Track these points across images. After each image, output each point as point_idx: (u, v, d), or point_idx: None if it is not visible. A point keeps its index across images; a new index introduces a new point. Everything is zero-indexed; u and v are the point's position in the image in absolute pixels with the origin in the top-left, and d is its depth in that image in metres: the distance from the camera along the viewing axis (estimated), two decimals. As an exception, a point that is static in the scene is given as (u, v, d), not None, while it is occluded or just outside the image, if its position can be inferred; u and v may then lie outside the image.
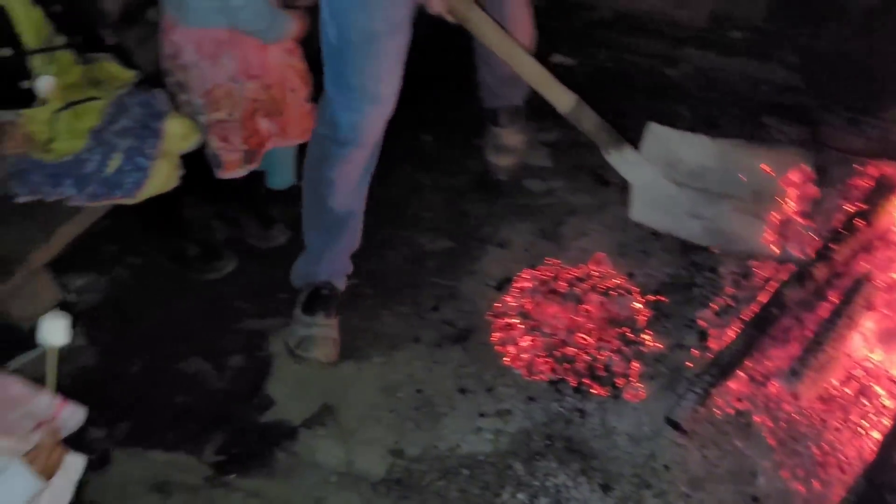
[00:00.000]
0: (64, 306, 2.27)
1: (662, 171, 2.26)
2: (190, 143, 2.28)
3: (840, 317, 2.14)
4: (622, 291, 2.41)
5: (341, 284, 2.40)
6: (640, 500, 1.98)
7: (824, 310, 2.22)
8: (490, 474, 2.07)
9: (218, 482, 2.10)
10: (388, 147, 2.24)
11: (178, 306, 2.55)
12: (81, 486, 1.76)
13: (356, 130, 2.12)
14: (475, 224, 2.72)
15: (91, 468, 2.06)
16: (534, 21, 2.48)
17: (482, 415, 2.20)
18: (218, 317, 2.50)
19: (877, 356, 2.15)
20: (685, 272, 2.46)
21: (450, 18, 2.06)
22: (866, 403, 2.08)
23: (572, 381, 2.22)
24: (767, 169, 2.21)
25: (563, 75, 2.26)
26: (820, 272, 2.26)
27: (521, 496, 2.02)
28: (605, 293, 2.41)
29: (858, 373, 2.13)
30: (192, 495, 2.08)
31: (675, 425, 2.05)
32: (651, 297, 2.40)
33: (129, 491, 2.09)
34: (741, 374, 2.16)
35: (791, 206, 2.22)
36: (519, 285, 2.48)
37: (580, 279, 2.46)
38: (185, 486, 2.09)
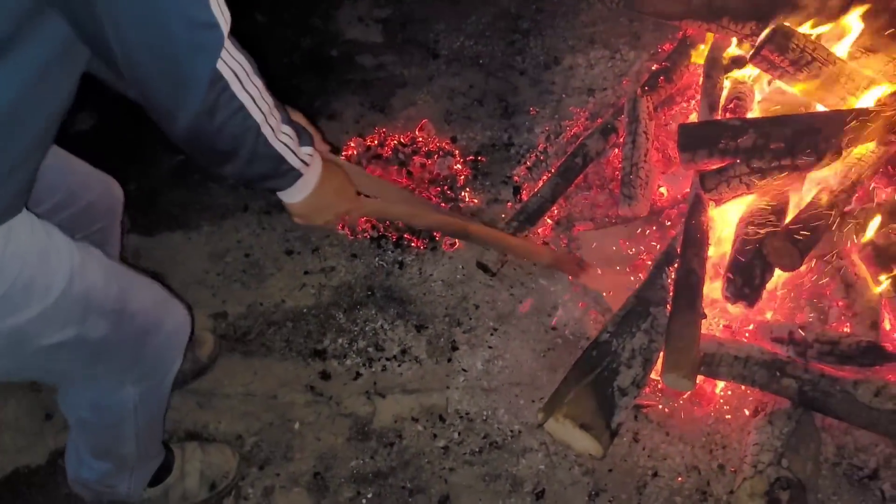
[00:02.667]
0: None
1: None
2: None
3: (637, 135, 2.29)
4: (444, 154, 2.51)
5: None
6: (451, 336, 2.13)
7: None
8: (312, 324, 2.18)
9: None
10: None
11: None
12: None
13: None
14: (306, 99, 2.76)
15: None
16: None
17: (307, 272, 2.29)
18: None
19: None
20: (504, 134, 2.57)
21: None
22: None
23: (393, 237, 2.33)
24: None
25: None
26: (621, 126, 2.41)
27: (341, 341, 2.13)
28: (428, 155, 2.50)
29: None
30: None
31: (485, 268, 2.20)
32: (471, 158, 2.51)
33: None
34: (548, 220, 2.31)
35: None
36: (346, 153, 2.55)
37: (405, 144, 2.54)
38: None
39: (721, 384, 1.97)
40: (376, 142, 2.56)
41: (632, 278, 2.17)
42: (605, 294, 2.18)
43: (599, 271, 2.18)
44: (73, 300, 1.26)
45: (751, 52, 2.16)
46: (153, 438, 1.71)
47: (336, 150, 2.54)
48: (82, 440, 1.65)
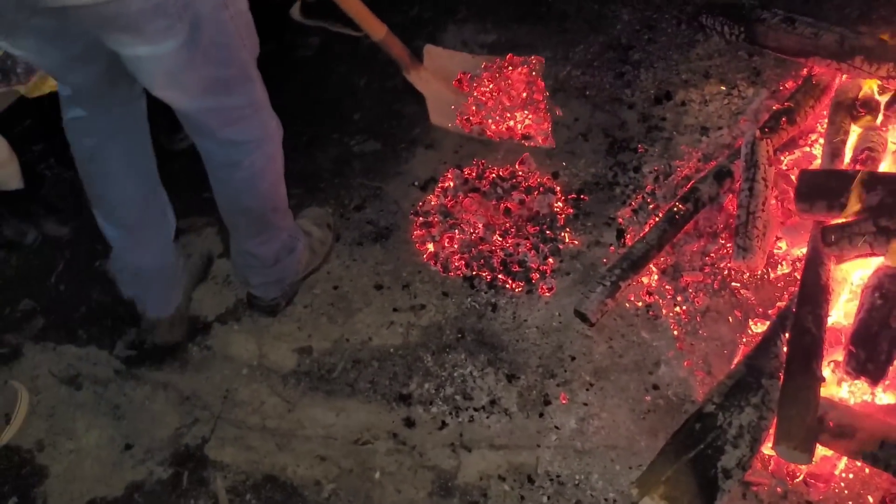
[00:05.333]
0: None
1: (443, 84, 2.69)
2: None
3: (755, 181, 2.12)
4: (544, 190, 2.39)
5: None
6: (544, 389, 2.00)
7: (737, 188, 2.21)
8: (399, 366, 2.09)
9: (128, 374, 2.12)
10: (324, 50, 2.15)
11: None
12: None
13: None
14: (407, 126, 2.69)
15: (1, 361, 2.10)
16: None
17: (396, 310, 2.21)
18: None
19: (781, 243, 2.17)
20: (610, 171, 2.43)
21: None
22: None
23: (487, 277, 2.23)
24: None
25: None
26: (738, 171, 2.24)
27: (427, 386, 2.04)
28: (528, 191, 2.39)
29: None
30: (101, 387, 2.11)
31: (583, 317, 2.06)
32: (573, 196, 2.38)
33: (39, 384, 2.12)
34: (653, 268, 2.16)
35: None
36: (443, 185, 2.46)
37: (504, 178, 2.44)
38: (95, 379, 2.12)
39: (843, 463, 1.78)
40: (475, 174, 2.46)
41: (457, 100, 2.61)
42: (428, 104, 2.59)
43: (429, 77, 2.52)
44: None
45: (888, 99, 1.96)
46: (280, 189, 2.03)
47: (433, 181, 2.47)
48: (240, 228, 2.02)
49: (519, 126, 2.59)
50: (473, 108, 2.65)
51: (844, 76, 2.38)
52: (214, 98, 1.71)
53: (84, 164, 1.93)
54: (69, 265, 2.42)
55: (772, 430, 1.71)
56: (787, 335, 1.86)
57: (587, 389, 1.99)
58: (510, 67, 2.74)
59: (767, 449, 1.74)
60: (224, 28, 1.58)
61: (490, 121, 2.61)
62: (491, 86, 2.69)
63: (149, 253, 2.06)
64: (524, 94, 2.66)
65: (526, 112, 2.61)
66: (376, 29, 2.49)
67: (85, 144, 1.89)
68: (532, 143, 2.55)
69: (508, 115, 2.62)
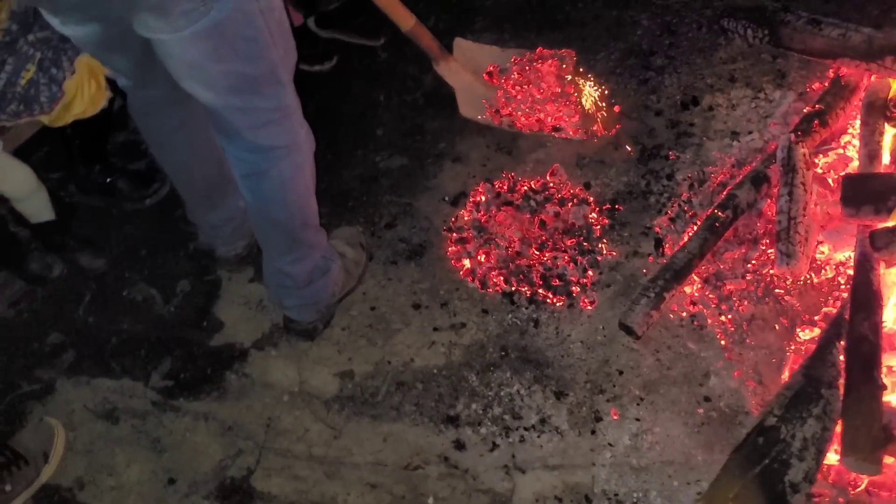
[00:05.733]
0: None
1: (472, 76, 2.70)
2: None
3: (794, 186, 2.10)
4: (578, 201, 2.36)
5: None
6: (594, 405, 1.97)
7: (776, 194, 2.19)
8: (444, 387, 2.06)
9: (166, 406, 2.07)
10: (342, 65, 2.11)
11: (121, 234, 2.49)
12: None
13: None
14: (431, 140, 2.65)
15: (34, 397, 2.05)
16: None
17: (436, 329, 2.17)
18: (162, 242, 2.44)
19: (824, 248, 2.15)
20: (642, 180, 2.41)
21: None
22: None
23: (527, 292, 2.19)
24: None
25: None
26: (774, 175, 2.22)
27: (475, 406, 2.00)
28: (561, 203, 2.36)
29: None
30: (140, 420, 2.06)
31: (629, 330, 2.03)
32: (607, 206, 2.35)
33: (74, 419, 2.07)
34: (695, 277, 2.13)
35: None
36: (474, 199, 2.43)
37: (536, 191, 2.41)
38: (132, 412, 2.08)
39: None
40: (506, 187, 2.43)
41: (486, 92, 2.64)
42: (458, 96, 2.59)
43: (459, 69, 2.54)
44: None
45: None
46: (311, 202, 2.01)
47: (464, 195, 2.44)
48: (271, 243, 2.01)
49: (549, 118, 2.58)
50: (503, 100, 2.65)
51: (873, 77, 2.36)
52: (241, 97, 1.69)
53: (150, 140, 2.12)
54: (97, 296, 2.37)
55: (835, 441, 1.69)
56: (841, 343, 1.84)
57: (638, 404, 1.96)
58: (540, 60, 2.74)
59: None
60: (253, 22, 1.56)
61: (520, 113, 2.62)
62: (521, 78, 2.70)
63: (217, 211, 2.22)
64: (556, 88, 2.66)
65: (556, 104, 2.61)
66: (405, 19, 2.50)
67: (146, 124, 2.00)
68: (563, 135, 2.55)
69: (538, 107, 2.62)
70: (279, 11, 1.65)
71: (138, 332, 2.26)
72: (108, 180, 2.48)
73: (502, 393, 2.02)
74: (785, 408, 1.71)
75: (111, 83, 2.22)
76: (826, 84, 2.48)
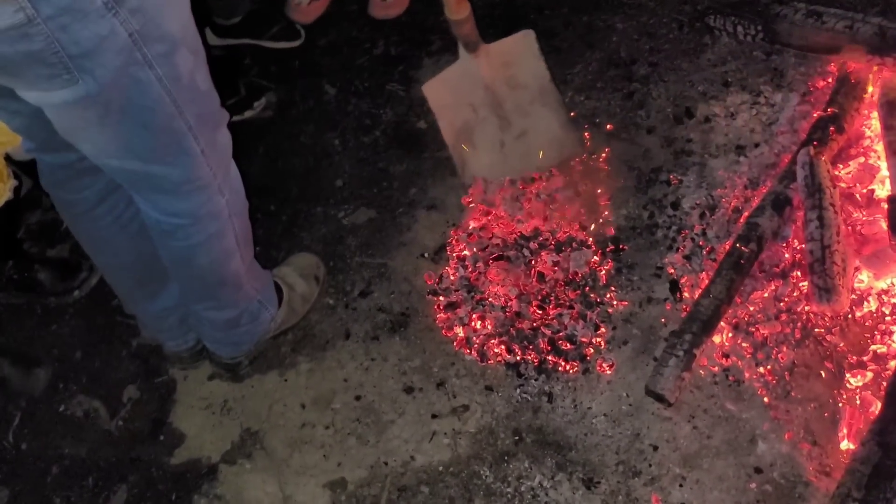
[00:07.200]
0: None
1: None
2: (17, 145, 1.83)
3: (823, 209, 1.85)
4: (577, 245, 2.08)
5: None
6: (631, 491, 1.70)
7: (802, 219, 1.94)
8: (454, 487, 1.76)
9: (128, 549, 1.75)
10: (284, 109, 1.81)
11: (48, 337, 2.14)
12: None
13: None
14: (400, 186, 2.34)
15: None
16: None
17: (435, 416, 1.87)
18: (99, 341, 2.11)
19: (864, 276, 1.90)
20: (644, 211, 2.13)
21: None
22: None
23: (534, 361, 1.90)
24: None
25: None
26: (795, 196, 1.97)
27: (493, 509, 1.71)
28: (558, 249, 2.07)
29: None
30: (97, 572, 1.72)
31: (659, 397, 1.76)
32: (611, 248, 2.07)
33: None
34: (724, 325, 1.87)
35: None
36: (457, 253, 2.13)
37: (527, 237, 2.11)
38: (87, 562, 1.74)
39: None
40: (492, 236, 2.13)
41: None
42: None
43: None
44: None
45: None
46: (250, 250, 1.80)
47: (442, 249, 2.14)
48: (200, 301, 1.79)
49: None
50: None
51: (879, 70, 2.13)
52: (140, 162, 1.45)
53: (67, 219, 1.80)
54: (27, 416, 2.03)
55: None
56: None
57: (681, 485, 1.69)
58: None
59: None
60: (147, 91, 1.33)
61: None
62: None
63: (157, 300, 1.91)
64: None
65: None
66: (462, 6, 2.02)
67: (61, 198, 1.71)
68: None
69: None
70: (189, 78, 1.38)
71: (83, 456, 1.92)
72: (26, 274, 2.13)
73: (523, 488, 1.73)
74: (866, 488, 1.45)
75: (19, 164, 1.87)
76: (830, 81, 2.25)
